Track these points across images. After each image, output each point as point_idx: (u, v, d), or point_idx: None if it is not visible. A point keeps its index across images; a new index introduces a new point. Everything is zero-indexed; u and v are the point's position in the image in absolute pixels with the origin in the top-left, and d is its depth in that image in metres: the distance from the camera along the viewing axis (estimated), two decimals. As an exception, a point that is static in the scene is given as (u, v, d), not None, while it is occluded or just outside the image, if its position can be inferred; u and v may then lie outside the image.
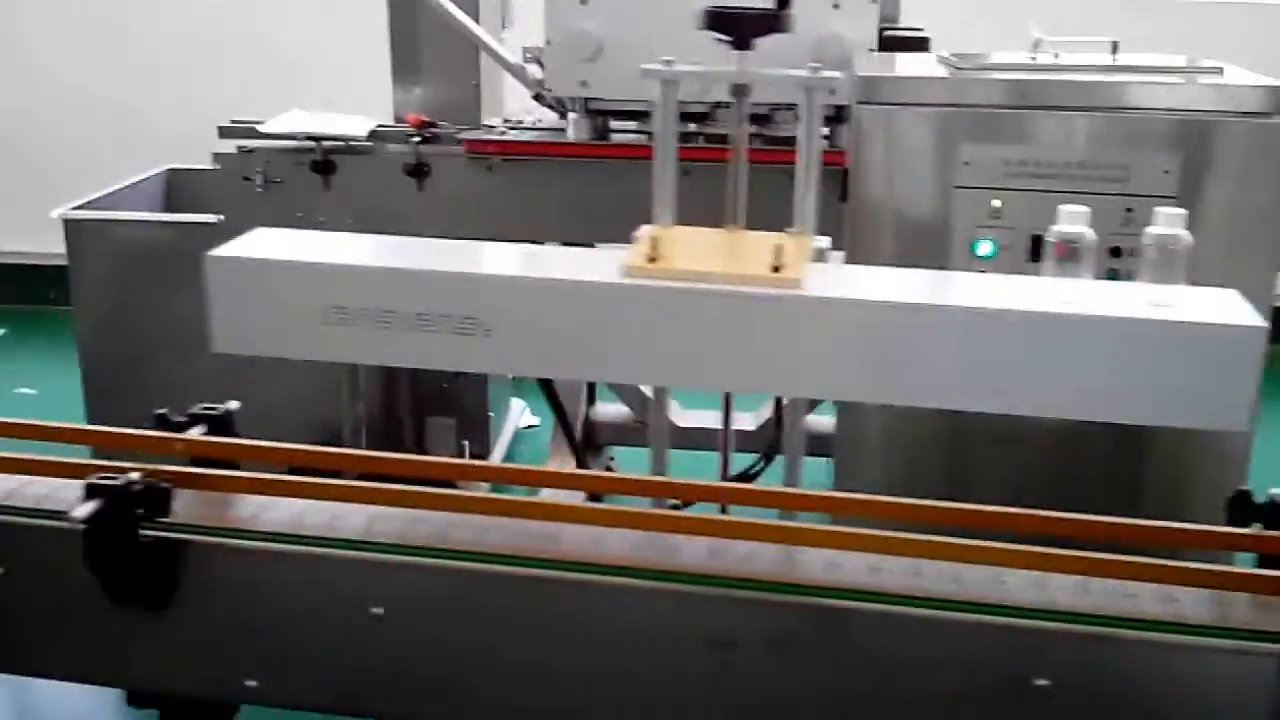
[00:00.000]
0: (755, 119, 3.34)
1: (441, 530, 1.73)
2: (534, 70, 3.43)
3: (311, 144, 3.48)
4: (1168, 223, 1.96)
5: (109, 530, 1.69)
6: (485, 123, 3.57)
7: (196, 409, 1.95)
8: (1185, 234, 1.98)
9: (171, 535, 1.73)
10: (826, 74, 1.96)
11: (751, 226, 2.31)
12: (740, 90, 2.07)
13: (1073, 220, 2.06)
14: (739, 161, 2.13)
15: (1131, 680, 1.55)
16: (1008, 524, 1.68)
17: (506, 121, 3.56)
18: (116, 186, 4.27)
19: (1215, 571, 1.57)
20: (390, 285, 1.62)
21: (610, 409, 4.01)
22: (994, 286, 1.72)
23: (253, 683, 1.80)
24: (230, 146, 3.61)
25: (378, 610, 1.72)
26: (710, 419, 3.83)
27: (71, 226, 3.86)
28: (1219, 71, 2.51)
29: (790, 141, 3.42)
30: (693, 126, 3.32)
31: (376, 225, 3.66)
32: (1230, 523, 1.67)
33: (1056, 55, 2.71)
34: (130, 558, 1.71)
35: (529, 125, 3.53)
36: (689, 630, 1.65)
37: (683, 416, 3.97)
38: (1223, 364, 1.50)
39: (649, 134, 3.37)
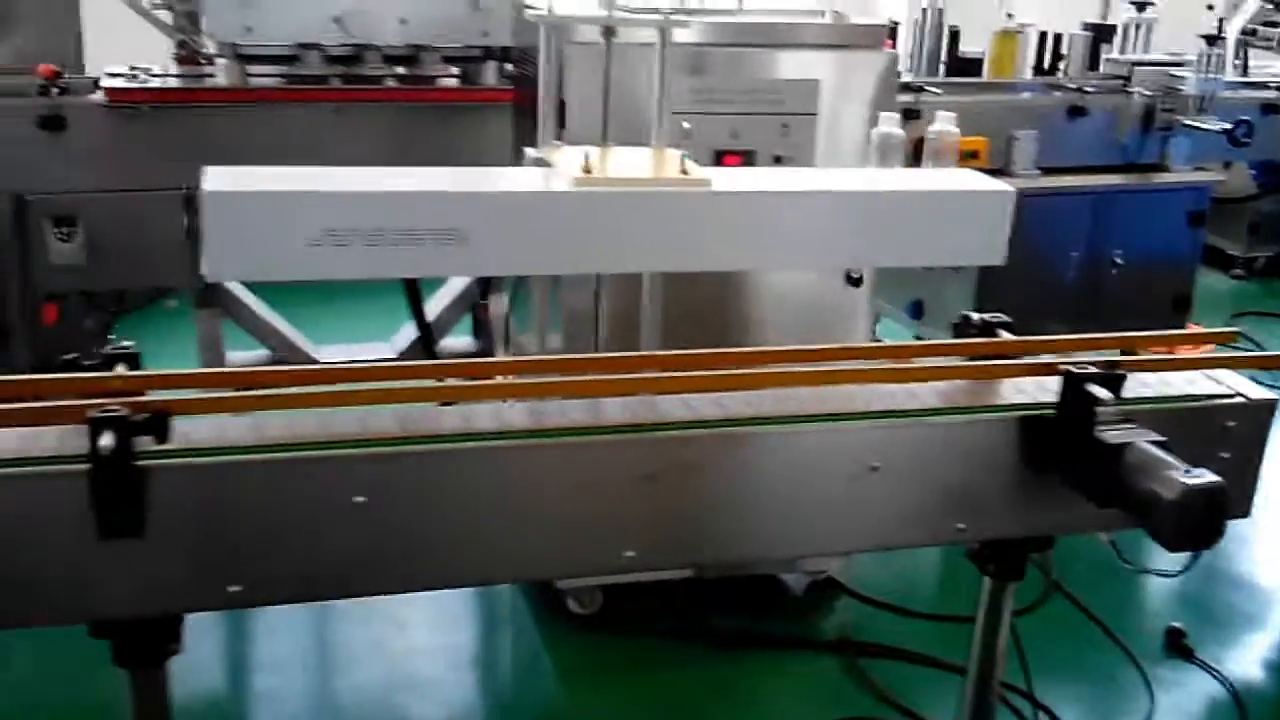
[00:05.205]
0: (399, 60, 3.63)
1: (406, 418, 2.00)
2: (164, 17, 3.48)
3: (-79, 100, 3.28)
4: (943, 122, 2.60)
5: (117, 463, 1.78)
6: (111, 71, 3.55)
7: (106, 350, 2.02)
8: (955, 130, 2.58)
9: (170, 461, 1.84)
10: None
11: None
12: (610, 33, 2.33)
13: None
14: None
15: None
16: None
17: (134, 70, 3.55)
18: None
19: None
20: (379, 207, 1.84)
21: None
22: (832, 176, 2.24)
23: (236, 588, 1.95)
24: None
25: (360, 499, 1.95)
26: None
27: None
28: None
29: (429, 80, 3.75)
30: (340, 69, 3.55)
31: (6, 182, 3.54)
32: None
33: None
34: (133, 488, 1.81)
35: (161, 74, 3.56)
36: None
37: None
38: (989, 217, 2.15)
39: (293, 78, 3.55)
